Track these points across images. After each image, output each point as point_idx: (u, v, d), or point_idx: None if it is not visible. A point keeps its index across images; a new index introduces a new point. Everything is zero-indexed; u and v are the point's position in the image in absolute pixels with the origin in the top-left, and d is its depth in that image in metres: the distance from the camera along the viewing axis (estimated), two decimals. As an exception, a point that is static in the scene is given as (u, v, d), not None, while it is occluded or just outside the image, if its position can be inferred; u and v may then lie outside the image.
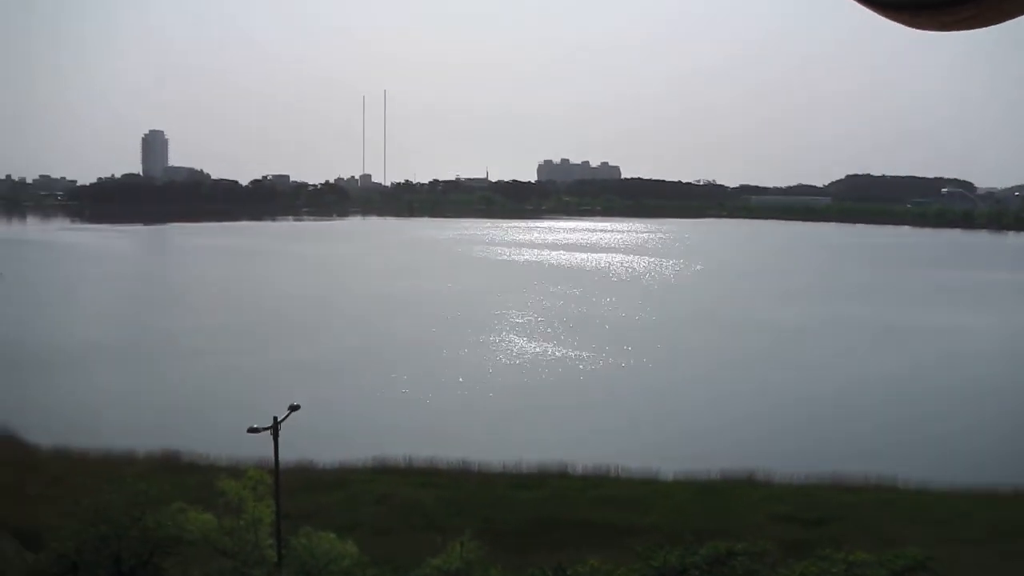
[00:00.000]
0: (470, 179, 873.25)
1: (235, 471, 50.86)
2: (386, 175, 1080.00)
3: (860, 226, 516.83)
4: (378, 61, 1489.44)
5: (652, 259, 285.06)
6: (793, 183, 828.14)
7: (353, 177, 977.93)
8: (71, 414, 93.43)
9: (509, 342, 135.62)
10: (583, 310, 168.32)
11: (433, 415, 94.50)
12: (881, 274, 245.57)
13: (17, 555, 50.25)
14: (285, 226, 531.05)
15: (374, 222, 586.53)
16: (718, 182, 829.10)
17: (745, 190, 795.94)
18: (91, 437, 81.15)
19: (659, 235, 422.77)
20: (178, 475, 68.26)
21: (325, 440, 77.85)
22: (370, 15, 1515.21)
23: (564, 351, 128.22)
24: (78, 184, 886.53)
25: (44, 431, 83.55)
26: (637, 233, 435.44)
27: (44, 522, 55.14)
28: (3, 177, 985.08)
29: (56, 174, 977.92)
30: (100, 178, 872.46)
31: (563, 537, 57.94)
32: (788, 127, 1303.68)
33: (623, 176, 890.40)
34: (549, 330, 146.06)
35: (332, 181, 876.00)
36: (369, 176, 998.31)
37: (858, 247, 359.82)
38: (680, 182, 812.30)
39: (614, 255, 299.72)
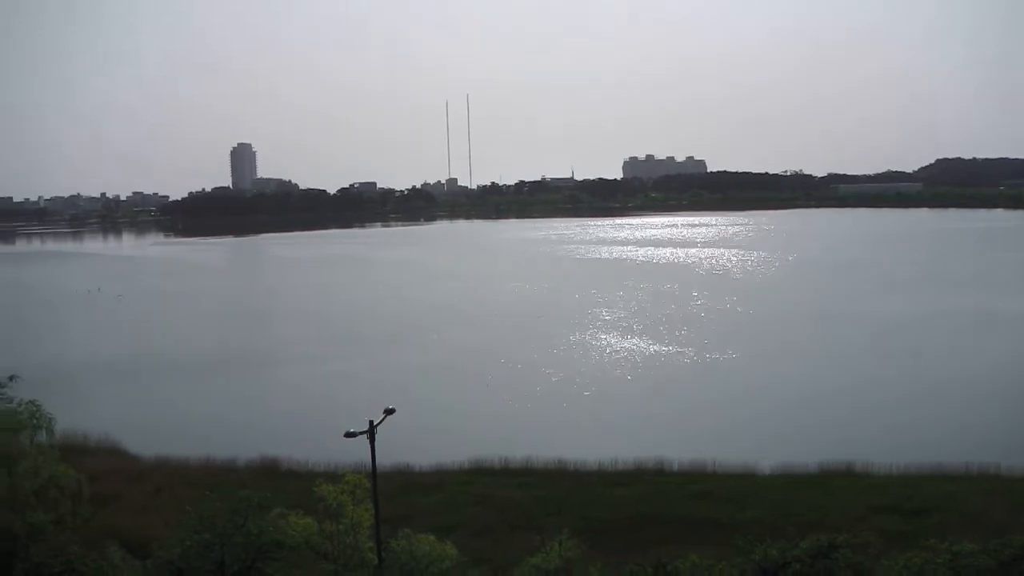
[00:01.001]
0: (556, 179, 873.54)
1: (333, 476, 51.43)
2: (472, 178, 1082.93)
3: (953, 211, 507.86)
4: (461, 65, 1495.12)
5: (742, 252, 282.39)
6: (882, 169, 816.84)
7: (439, 181, 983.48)
8: (172, 424, 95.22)
9: (600, 340, 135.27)
10: (674, 306, 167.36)
11: (527, 415, 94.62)
12: (981, 259, 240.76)
13: (125, 563, 51.23)
14: (374, 232, 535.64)
15: (461, 225, 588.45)
16: (805, 171, 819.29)
17: (833, 179, 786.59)
18: (192, 447, 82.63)
19: (748, 228, 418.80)
20: (278, 481, 69.11)
21: (422, 443, 78.37)
22: (452, 21, 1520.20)
23: (656, 347, 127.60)
24: (170, 199, 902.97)
25: (146, 442, 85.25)
26: (725, 226, 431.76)
27: (150, 530, 56.25)
28: (98, 195, 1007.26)
29: (149, 190, 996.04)
30: (191, 192, 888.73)
31: (662, 534, 57.64)
32: (875, 113, 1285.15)
33: (709, 170, 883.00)
34: (640, 327, 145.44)
35: (419, 186, 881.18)
36: (455, 180, 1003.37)
37: (955, 232, 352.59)
38: (767, 173, 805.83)
39: (703, 249, 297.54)
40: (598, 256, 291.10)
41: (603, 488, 69.05)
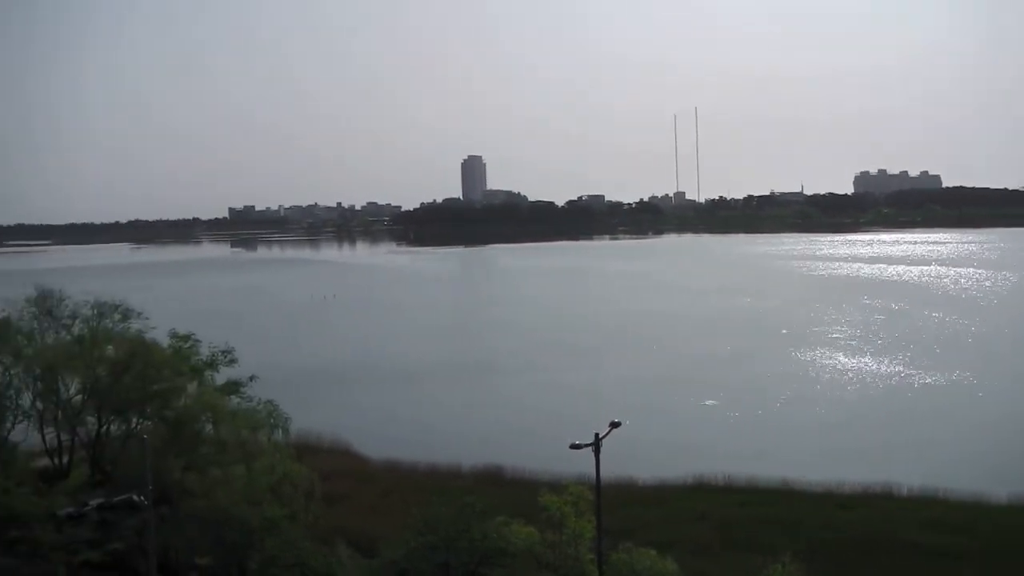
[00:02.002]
0: (784, 193, 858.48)
1: (556, 486, 51.71)
2: (699, 192, 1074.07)
3: None
4: (689, 78, 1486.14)
5: (979, 271, 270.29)
6: None
7: (667, 195, 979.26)
8: (401, 429, 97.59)
9: (829, 357, 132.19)
10: (907, 326, 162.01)
11: (752, 432, 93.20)
12: None
13: (351, 560, 52.78)
14: (601, 245, 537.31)
15: (688, 239, 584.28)
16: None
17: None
18: (419, 451, 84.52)
19: (986, 246, 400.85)
20: (501, 489, 70.02)
21: (645, 456, 78.03)
22: (681, 32, 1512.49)
23: (887, 367, 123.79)
24: (402, 209, 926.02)
25: (376, 444, 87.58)
26: (961, 244, 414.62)
27: (376, 531, 57.76)
28: (334, 204, 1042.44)
29: (382, 200, 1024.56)
30: (423, 203, 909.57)
31: (888, 560, 55.84)
32: None
33: (944, 185, 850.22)
34: (870, 345, 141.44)
35: (646, 199, 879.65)
36: (683, 193, 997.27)
37: None
38: (1006, 189, 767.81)
39: (937, 268, 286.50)
40: (828, 272, 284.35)
41: (828, 510, 67.22)
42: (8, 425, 61.75)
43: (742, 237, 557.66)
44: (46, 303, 69.26)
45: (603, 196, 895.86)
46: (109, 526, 50.11)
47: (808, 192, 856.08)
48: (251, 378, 67.23)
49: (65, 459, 64.43)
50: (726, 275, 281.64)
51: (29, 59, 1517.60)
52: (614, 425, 43.92)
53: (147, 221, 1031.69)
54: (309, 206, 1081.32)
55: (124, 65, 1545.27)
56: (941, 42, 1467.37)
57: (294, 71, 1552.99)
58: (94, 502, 50.22)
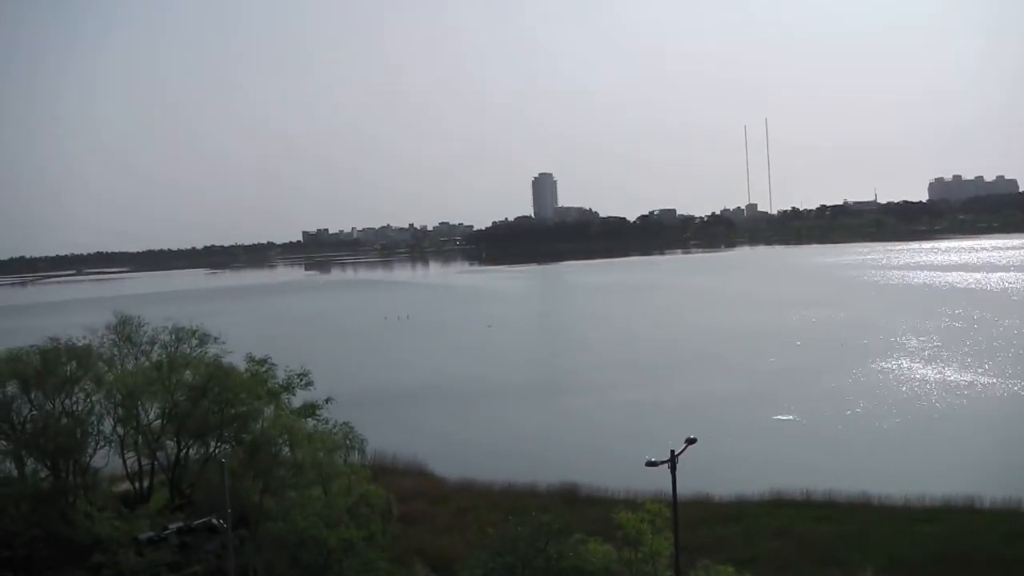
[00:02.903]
0: (858, 202, 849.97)
1: (632, 504, 51.48)
2: (772, 203, 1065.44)
3: None
4: (759, 89, 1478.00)
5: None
6: None
7: (739, 207, 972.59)
8: (477, 448, 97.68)
9: (907, 368, 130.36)
10: (986, 334, 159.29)
11: (830, 445, 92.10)
12: None
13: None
14: (674, 259, 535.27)
15: (762, 251, 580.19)
16: None
17: None
18: (495, 471, 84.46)
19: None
20: (577, 507, 69.92)
21: (721, 472, 77.40)
22: (750, 43, 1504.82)
23: (967, 377, 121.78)
24: (474, 228, 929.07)
25: (451, 465, 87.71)
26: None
27: (453, 551, 57.88)
28: (407, 226, 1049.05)
29: (454, 220, 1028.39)
30: (495, 222, 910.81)
31: (971, 575, 54.92)
32: None
33: (1021, 190, 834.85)
34: (949, 355, 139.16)
35: (718, 212, 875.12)
36: (755, 205, 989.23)
37: None
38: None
39: (1016, 274, 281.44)
40: (904, 282, 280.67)
41: (908, 524, 66.18)
42: (90, 451, 62.84)
43: (816, 248, 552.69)
44: (126, 330, 70.51)
45: (674, 210, 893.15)
46: (189, 549, 50.81)
47: (882, 200, 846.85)
48: (327, 400, 67.83)
49: (145, 483, 65.43)
50: (801, 287, 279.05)
51: (109, 87, 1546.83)
52: (690, 441, 43.63)
53: (223, 246, 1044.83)
54: (382, 228, 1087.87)
55: (193, 93, 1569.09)
56: (1020, 47, 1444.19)
57: (359, 100, 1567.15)
58: (174, 526, 50.94)
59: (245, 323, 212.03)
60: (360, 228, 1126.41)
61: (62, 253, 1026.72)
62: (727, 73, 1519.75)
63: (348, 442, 61.36)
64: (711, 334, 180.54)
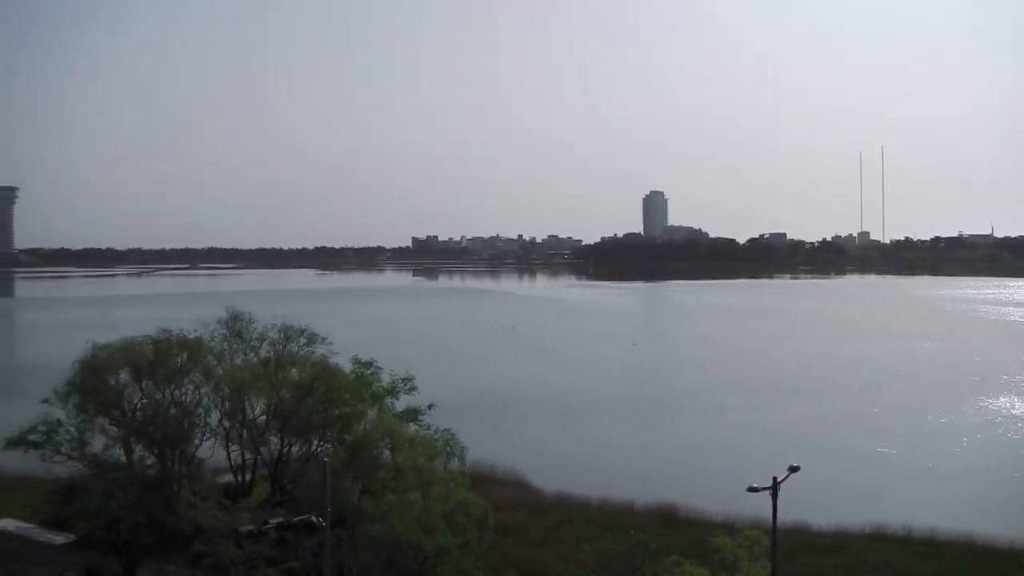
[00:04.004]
0: (973, 235, 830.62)
1: (730, 528, 50.97)
2: (884, 232, 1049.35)
3: None
4: (876, 114, 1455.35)
5: None
6: None
7: (851, 235, 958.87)
8: (576, 461, 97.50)
9: (1020, 408, 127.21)
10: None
11: (936, 481, 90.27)
12: None
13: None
14: (782, 284, 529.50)
15: (872, 280, 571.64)
16: None
17: None
18: (592, 485, 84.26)
19: None
20: (674, 528, 69.51)
21: (822, 501, 76.22)
22: (870, 70, 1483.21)
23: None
24: (583, 243, 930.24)
25: (550, 477, 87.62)
26: None
27: (547, 564, 57.85)
28: (515, 237, 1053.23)
29: (563, 234, 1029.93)
30: (604, 237, 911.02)
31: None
32: None
33: None
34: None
35: (829, 239, 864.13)
36: (867, 234, 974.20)
37: None
38: None
39: None
40: (1020, 318, 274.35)
41: (1013, 568, 64.60)
42: (196, 442, 64.05)
43: (928, 279, 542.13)
44: (236, 325, 71.63)
45: (784, 234, 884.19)
46: (287, 545, 51.35)
47: (999, 235, 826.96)
48: (429, 406, 68.16)
49: (247, 477, 66.37)
50: (913, 318, 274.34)
51: (229, 90, 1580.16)
52: (793, 469, 43.02)
53: (333, 248, 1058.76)
54: (491, 237, 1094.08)
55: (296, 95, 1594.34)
56: None
57: (470, 116, 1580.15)
58: (274, 521, 51.51)
59: (351, 325, 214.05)
60: (469, 237, 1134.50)
61: (177, 247, 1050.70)
62: (843, 96, 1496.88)
63: (448, 449, 61.50)
64: (820, 360, 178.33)
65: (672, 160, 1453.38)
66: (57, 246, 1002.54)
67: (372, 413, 62.97)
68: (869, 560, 66.06)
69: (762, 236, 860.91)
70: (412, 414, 67.14)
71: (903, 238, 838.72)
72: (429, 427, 65.09)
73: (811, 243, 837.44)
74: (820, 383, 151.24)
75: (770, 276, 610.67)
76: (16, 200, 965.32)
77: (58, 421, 62.34)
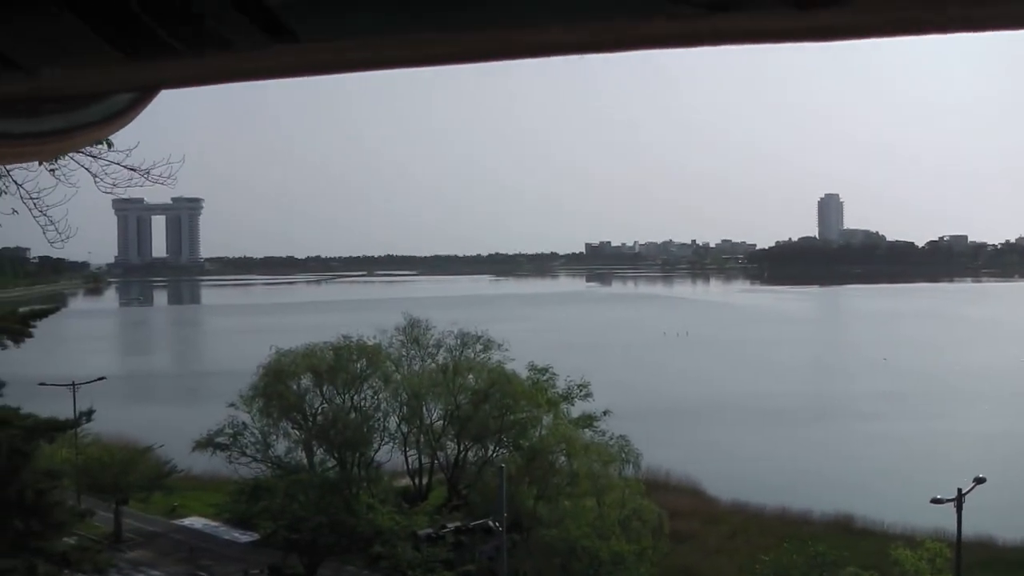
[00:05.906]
0: None
1: (910, 541, 49.84)
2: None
3: None
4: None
5: None
6: None
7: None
8: (752, 470, 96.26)
9: None
10: None
11: None
12: None
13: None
14: (963, 288, 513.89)
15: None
16: None
17: None
18: (768, 494, 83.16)
19: None
20: (851, 539, 68.03)
21: (1010, 515, 73.72)
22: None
23: None
24: (757, 247, 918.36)
25: (725, 485, 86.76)
26: None
27: (723, 573, 57.42)
28: (688, 242, 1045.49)
29: (737, 238, 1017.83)
30: (778, 241, 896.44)
31: None
32: None
33: None
34: None
35: (1013, 240, 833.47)
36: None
37: None
38: None
39: None
40: None
41: None
42: (375, 446, 65.61)
43: None
44: (413, 332, 73.14)
45: (966, 236, 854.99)
46: (464, 549, 52.15)
47: None
48: (605, 412, 68.38)
49: (424, 481, 67.68)
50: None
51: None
52: (978, 481, 41.93)
53: (506, 255, 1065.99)
54: (664, 243, 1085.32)
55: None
56: None
57: (645, 116, 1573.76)
58: (452, 525, 52.39)
59: (526, 330, 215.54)
60: (642, 242, 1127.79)
61: (355, 255, 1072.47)
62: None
63: (623, 455, 61.68)
64: (1011, 369, 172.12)
65: (849, 162, 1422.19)
66: (239, 254, 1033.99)
67: (548, 419, 63.57)
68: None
69: (941, 238, 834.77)
70: (587, 420, 67.52)
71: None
72: (604, 433, 65.36)
73: (994, 245, 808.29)
74: (1012, 393, 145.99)
75: (950, 280, 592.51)
76: (201, 211, 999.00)
77: (244, 424, 64.74)
